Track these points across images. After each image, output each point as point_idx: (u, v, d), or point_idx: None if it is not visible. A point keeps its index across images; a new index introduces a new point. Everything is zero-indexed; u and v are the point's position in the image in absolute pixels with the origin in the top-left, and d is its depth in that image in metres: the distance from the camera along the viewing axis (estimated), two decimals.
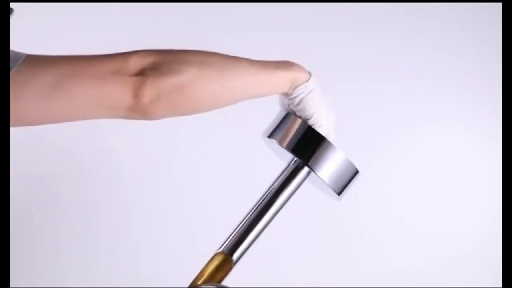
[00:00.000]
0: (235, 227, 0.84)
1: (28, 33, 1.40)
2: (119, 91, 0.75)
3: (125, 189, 1.52)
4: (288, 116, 0.86)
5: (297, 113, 0.86)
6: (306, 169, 0.84)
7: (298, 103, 0.84)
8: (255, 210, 0.84)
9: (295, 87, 0.84)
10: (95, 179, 1.51)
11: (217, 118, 1.20)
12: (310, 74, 0.85)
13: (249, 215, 0.84)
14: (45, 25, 1.45)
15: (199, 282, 0.79)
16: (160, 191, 1.52)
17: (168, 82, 0.76)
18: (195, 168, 1.53)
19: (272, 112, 0.90)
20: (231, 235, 0.84)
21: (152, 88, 0.75)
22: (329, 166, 0.83)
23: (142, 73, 0.75)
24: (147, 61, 0.76)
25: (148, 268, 1.52)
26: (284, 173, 0.85)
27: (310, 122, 0.84)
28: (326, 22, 1.56)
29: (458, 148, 1.59)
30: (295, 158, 0.85)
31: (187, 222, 1.53)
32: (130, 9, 1.49)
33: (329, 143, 0.83)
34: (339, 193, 0.85)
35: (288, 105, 0.87)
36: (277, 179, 0.86)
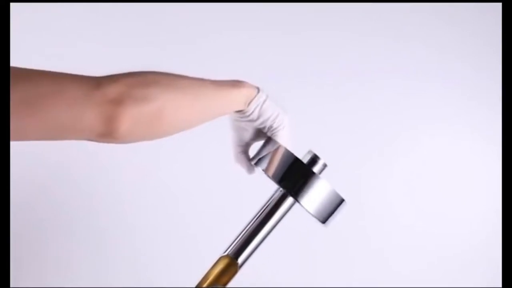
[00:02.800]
0: (240, 232, 0.85)
1: (28, 33, 1.39)
2: (91, 116, 0.72)
3: (125, 191, 1.52)
4: (273, 143, 0.88)
5: (266, 131, 0.88)
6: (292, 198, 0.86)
7: (258, 117, 0.87)
8: (254, 222, 0.86)
9: (249, 103, 0.86)
10: (96, 183, 1.51)
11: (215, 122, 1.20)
12: (258, 88, 0.87)
13: (251, 223, 0.86)
14: (45, 25, 1.44)
15: (205, 285, 0.79)
16: (159, 193, 1.52)
17: (143, 109, 0.74)
18: (193, 172, 1.53)
19: None
20: (236, 239, 0.84)
21: (127, 115, 0.73)
22: (314, 197, 0.84)
23: (115, 100, 0.73)
24: (119, 87, 0.74)
25: (148, 270, 1.52)
26: (272, 199, 0.87)
27: (275, 126, 0.88)
28: (326, 22, 1.56)
29: (458, 148, 1.59)
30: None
31: (185, 225, 1.53)
32: (130, 9, 1.48)
33: (315, 174, 0.84)
34: (323, 222, 0.86)
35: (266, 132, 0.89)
36: (266, 204, 0.87)
